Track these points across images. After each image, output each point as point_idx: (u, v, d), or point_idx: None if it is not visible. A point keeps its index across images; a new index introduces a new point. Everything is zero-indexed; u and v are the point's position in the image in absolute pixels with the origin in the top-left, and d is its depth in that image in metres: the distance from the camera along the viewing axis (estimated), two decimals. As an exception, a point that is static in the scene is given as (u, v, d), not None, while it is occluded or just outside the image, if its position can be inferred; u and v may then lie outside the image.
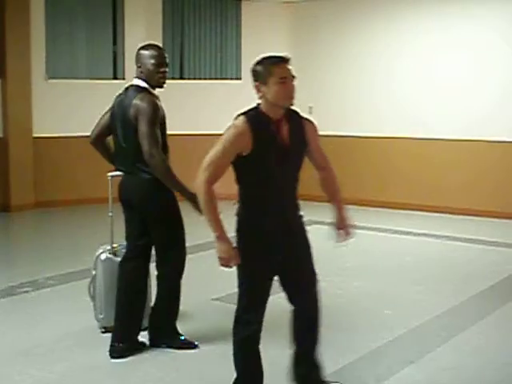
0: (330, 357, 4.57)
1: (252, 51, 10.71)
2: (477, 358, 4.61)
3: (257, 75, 3.51)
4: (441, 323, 5.30)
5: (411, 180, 10.09)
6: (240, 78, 10.81)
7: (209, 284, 6.21)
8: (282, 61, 3.51)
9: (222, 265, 3.53)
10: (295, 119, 3.62)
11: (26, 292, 5.99)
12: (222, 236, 3.47)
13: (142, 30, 10.51)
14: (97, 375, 4.32)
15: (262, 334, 3.69)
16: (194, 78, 10.88)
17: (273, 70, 3.44)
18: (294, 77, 3.50)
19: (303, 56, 10.99)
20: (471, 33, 9.58)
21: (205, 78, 10.97)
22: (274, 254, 3.61)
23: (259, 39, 10.78)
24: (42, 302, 5.80)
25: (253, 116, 3.50)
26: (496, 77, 9.45)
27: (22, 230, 9.30)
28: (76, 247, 7.64)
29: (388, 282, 6.41)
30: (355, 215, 10.69)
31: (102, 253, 4.95)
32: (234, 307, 5.22)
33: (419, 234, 8.42)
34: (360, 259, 7.22)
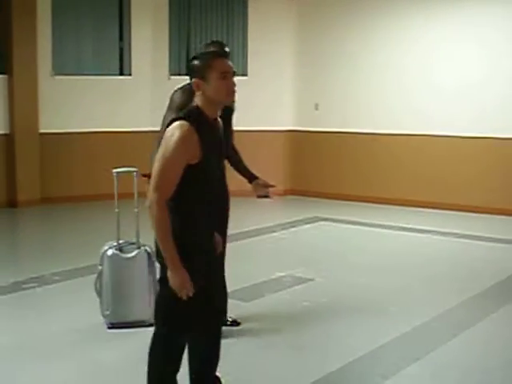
0: (335, 353, 4.58)
1: (258, 48, 10.72)
2: (482, 355, 4.61)
3: (195, 70, 3.16)
4: (446, 320, 5.30)
5: (418, 177, 10.05)
6: (246, 75, 10.80)
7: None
8: (223, 55, 3.27)
9: (182, 296, 3.13)
10: (217, 120, 3.31)
11: (32, 288, 5.99)
12: (179, 265, 3.07)
13: (149, 26, 10.52)
14: (102, 371, 4.33)
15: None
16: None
17: (213, 64, 3.12)
18: (234, 72, 3.21)
19: (309, 52, 10.99)
20: (478, 30, 9.54)
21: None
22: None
23: (265, 35, 10.77)
24: (48, 297, 5.81)
25: (195, 118, 3.11)
26: (505, 73, 9.42)
27: (28, 226, 9.32)
28: (82, 243, 7.65)
29: (394, 279, 6.40)
30: (361, 212, 10.60)
31: (108, 248, 4.96)
32: (235, 303, 5.23)
33: (426, 231, 8.39)
34: (366, 256, 7.21)
